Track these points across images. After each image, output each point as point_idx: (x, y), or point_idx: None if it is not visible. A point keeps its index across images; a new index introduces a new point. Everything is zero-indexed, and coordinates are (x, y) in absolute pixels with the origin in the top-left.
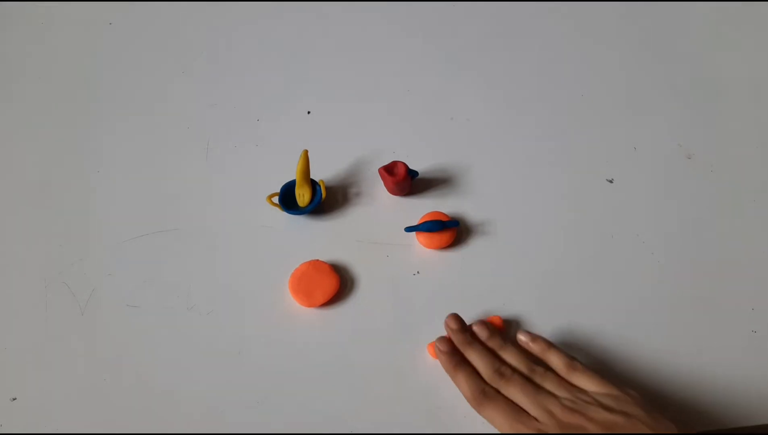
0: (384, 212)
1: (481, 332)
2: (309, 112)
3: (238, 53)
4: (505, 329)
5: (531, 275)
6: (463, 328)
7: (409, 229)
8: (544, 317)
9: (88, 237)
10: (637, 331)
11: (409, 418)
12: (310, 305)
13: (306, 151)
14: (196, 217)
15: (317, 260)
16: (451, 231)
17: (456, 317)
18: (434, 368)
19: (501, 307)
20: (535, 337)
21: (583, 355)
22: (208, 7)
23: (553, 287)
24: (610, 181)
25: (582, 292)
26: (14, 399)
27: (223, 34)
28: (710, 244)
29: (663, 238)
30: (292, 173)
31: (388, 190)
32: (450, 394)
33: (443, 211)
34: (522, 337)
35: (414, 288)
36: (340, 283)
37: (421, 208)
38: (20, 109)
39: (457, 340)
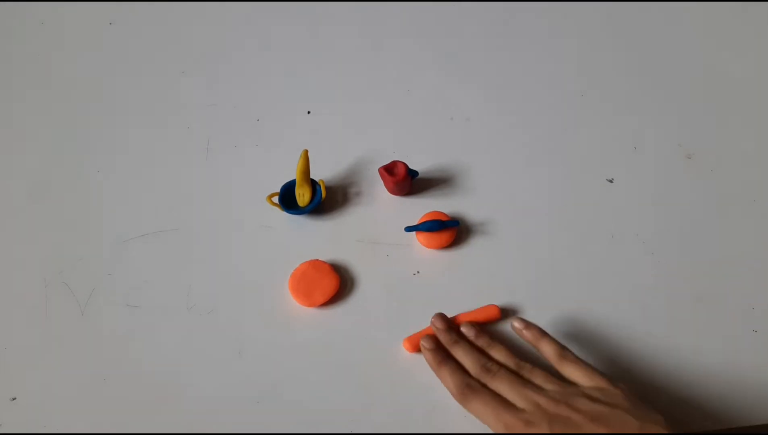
0: (384, 212)
1: (469, 332)
2: (309, 112)
3: (238, 53)
4: (501, 317)
5: (531, 275)
6: (449, 326)
7: (409, 229)
8: (544, 317)
9: (88, 237)
10: (636, 331)
11: (408, 418)
12: (310, 305)
13: (306, 151)
14: (196, 217)
15: (317, 260)
16: (451, 231)
17: (442, 317)
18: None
19: (501, 306)
20: (529, 325)
21: (583, 354)
22: (208, 7)
23: (552, 287)
24: (610, 181)
25: (582, 292)
26: (14, 399)
27: (223, 34)
28: (710, 244)
29: (663, 238)
30: (292, 173)
31: (388, 190)
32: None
33: (443, 211)
34: (516, 324)
35: (414, 288)
36: (340, 283)
37: (421, 207)
38: (20, 109)
39: (444, 339)
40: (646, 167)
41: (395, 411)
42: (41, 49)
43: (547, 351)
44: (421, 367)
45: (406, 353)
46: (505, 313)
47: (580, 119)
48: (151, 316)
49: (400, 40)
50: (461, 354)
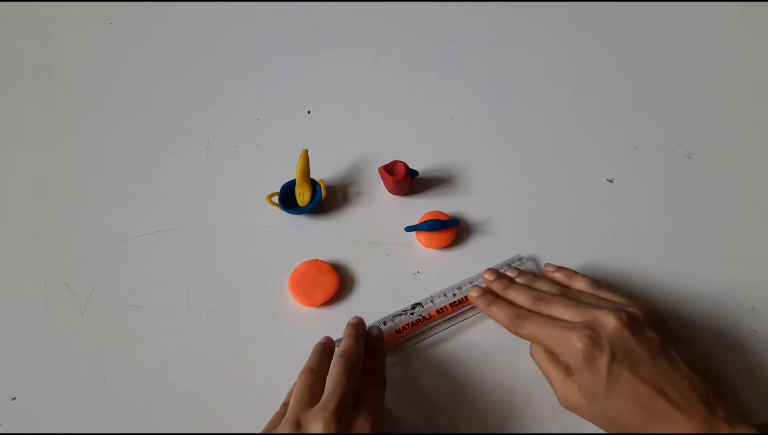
0: (384, 212)
1: (512, 272)
2: (309, 112)
3: (238, 53)
4: None
5: None
6: (499, 276)
7: (409, 229)
8: None
9: (88, 237)
10: None
11: (407, 417)
12: (310, 305)
13: (306, 151)
14: (196, 217)
15: (317, 260)
16: (451, 230)
17: (491, 270)
18: (434, 369)
19: None
20: (559, 267)
21: None
22: (208, 7)
23: None
24: (610, 181)
25: None
26: (14, 399)
27: (223, 34)
28: (710, 244)
29: (663, 237)
30: (292, 173)
31: (388, 190)
32: (447, 393)
33: (443, 211)
34: (548, 268)
35: (414, 287)
36: (340, 283)
37: (421, 207)
38: (20, 109)
39: (497, 287)
40: (646, 167)
41: (392, 410)
42: (41, 49)
43: (582, 286)
44: (420, 366)
45: (406, 353)
46: None
47: (580, 119)
48: (150, 315)
49: (400, 39)
50: (514, 293)
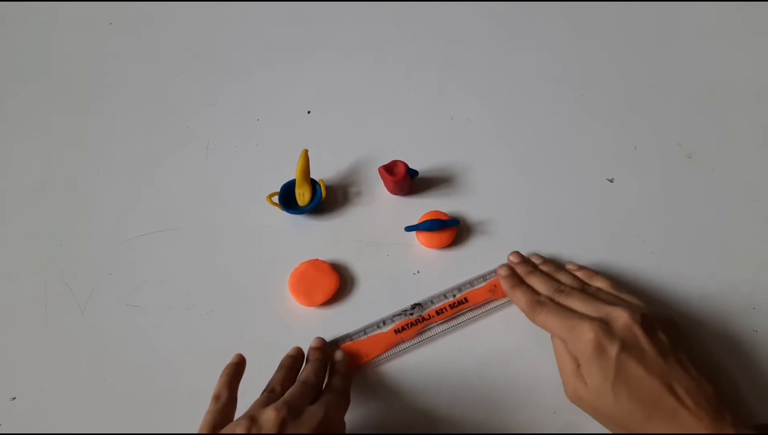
0: (384, 212)
1: (537, 259)
2: (309, 112)
3: (238, 53)
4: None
5: None
6: (524, 260)
7: (409, 229)
8: None
9: (88, 237)
10: None
11: (403, 416)
12: (310, 305)
13: (306, 151)
14: (196, 217)
15: (317, 260)
16: (451, 230)
17: (517, 253)
18: (433, 369)
19: (501, 305)
20: (581, 266)
21: None
22: (208, 7)
23: None
24: (610, 181)
25: None
26: (14, 398)
27: (223, 34)
28: (710, 244)
29: (663, 237)
30: (292, 173)
31: (388, 190)
32: (447, 393)
33: (443, 211)
34: (570, 266)
35: (414, 287)
36: (340, 283)
37: (421, 207)
38: (20, 108)
39: (520, 270)
40: (646, 167)
41: (392, 409)
42: (42, 49)
43: (603, 286)
44: (420, 366)
45: (406, 353)
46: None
47: (580, 119)
48: (151, 316)
49: (400, 39)
50: (536, 280)
